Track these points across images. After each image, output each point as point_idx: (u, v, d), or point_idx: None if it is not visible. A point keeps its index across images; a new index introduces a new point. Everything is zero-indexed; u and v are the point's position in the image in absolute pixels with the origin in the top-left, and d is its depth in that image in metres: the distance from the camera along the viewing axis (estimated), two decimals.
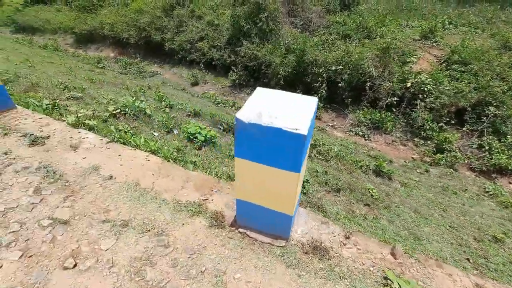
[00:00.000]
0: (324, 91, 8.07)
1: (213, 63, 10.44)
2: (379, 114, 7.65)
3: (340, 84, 7.92)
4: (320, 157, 5.22)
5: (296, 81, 8.63)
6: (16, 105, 3.09)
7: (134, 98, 3.44)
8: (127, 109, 3.37)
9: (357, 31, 9.56)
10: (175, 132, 3.58)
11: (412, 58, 8.07)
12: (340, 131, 7.89)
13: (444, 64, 8.04)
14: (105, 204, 2.15)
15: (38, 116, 2.97)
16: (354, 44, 8.66)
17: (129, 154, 2.55)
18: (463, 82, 7.19)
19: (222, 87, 9.99)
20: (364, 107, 8.05)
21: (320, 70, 7.93)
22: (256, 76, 9.54)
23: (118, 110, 3.30)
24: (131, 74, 10.82)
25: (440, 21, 9.94)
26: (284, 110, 1.54)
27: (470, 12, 11.34)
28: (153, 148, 2.62)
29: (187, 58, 10.97)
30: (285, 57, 8.35)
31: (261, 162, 1.65)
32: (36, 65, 8.95)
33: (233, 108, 8.08)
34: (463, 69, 7.59)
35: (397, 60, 7.84)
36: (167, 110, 4.37)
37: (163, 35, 11.07)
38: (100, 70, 10.31)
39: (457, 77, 7.49)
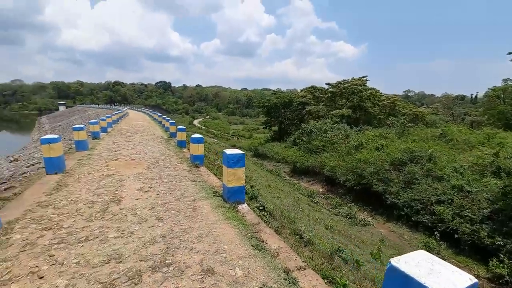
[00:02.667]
0: None
1: (456, 236, 7.96)
2: None
3: None
4: None
5: None
6: None
7: None
8: None
9: None
10: None
11: None
12: None
13: None
14: None
15: None
16: None
17: None
18: None
19: (478, 278, 6.86)
20: None
21: None
22: None
23: None
24: (341, 216, 10.45)
25: None
26: None
27: None
28: None
29: (413, 218, 9.27)
30: None
31: None
32: (274, 190, 10.78)
33: None
34: None
35: None
36: None
37: (386, 187, 10.47)
38: (315, 206, 10.79)
39: None
